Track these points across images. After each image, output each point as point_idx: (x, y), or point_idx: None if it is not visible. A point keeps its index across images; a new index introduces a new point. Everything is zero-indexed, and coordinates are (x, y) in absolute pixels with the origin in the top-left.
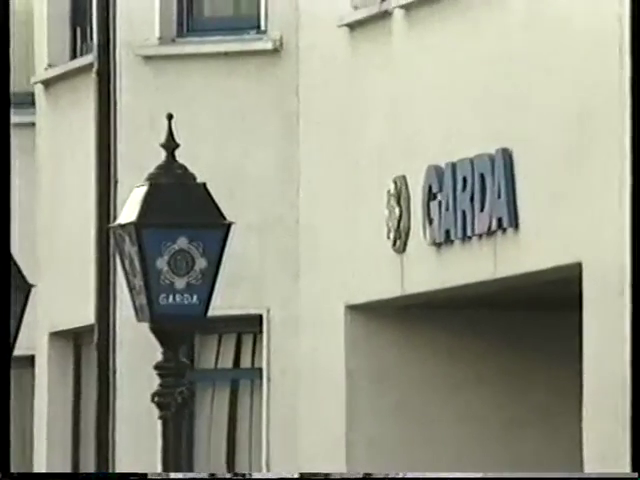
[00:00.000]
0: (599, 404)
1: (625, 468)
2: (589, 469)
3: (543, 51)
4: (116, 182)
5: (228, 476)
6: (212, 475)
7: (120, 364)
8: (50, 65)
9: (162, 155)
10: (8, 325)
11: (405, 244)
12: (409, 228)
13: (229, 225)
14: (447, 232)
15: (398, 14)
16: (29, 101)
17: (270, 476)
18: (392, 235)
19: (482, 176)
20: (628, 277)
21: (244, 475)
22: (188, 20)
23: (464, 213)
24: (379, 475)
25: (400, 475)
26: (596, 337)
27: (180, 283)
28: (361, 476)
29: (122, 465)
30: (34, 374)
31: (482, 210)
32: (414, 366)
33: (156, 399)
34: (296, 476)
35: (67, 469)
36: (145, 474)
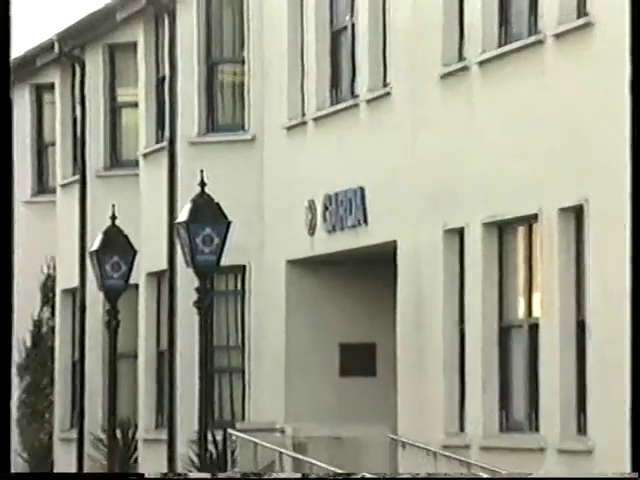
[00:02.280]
0: (406, 314)
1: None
2: (400, 345)
3: (384, 147)
4: (176, 201)
5: (233, 475)
6: (213, 475)
7: (179, 288)
8: (146, 146)
9: (197, 189)
10: (10, 324)
11: (314, 232)
12: (316, 224)
13: (229, 222)
14: (333, 226)
15: (311, 124)
16: (135, 164)
17: (286, 476)
18: (308, 227)
19: (350, 200)
20: (424, 252)
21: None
22: (212, 124)
23: (342, 217)
24: (395, 475)
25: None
26: (403, 282)
27: (207, 250)
28: (383, 476)
29: (183, 331)
30: (138, 295)
31: (350, 214)
32: (319, 293)
33: (196, 304)
34: (332, 475)
35: (153, 340)
36: (142, 474)
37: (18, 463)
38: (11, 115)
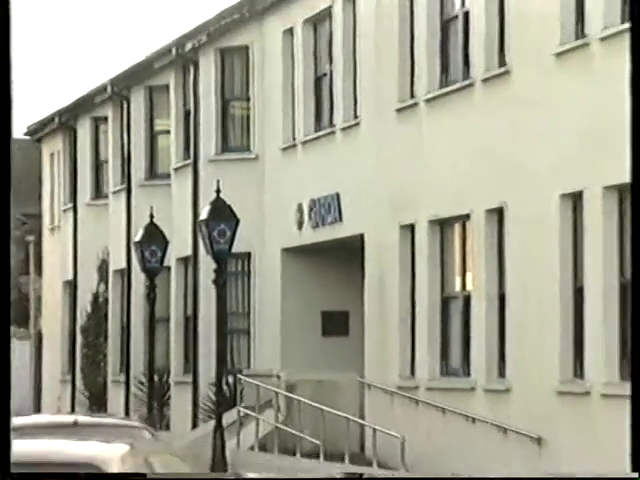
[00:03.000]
0: (372, 289)
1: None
2: (367, 312)
3: (355, 163)
4: (198, 204)
5: (229, 476)
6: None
7: (202, 269)
8: (176, 162)
9: (214, 195)
10: (8, 323)
11: (302, 227)
12: (303, 222)
13: (238, 220)
14: (317, 223)
15: (300, 147)
16: (168, 176)
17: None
18: (297, 224)
19: (329, 203)
20: (385, 242)
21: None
22: (226, 146)
23: (323, 216)
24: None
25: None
26: (369, 265)
27: (222, 241)
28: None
29: (204, 302)
30: (170, 274)
31: (329, 213)
32: (306, 273)
33: (214, 282)
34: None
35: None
36: (144, 474)
37: (82, 400)
38: (10, 123)
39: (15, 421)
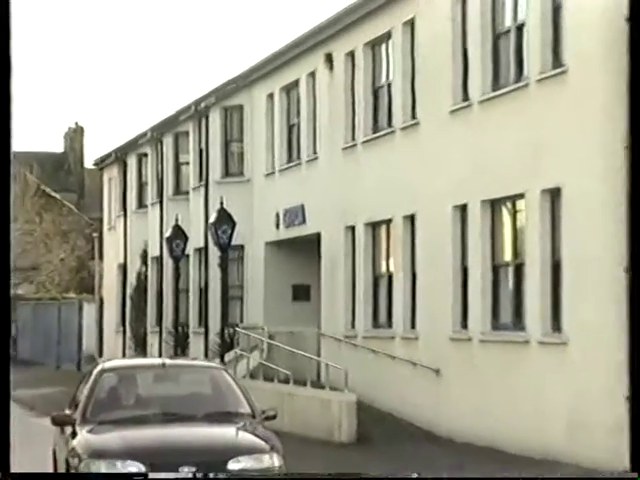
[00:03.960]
0: (326, 269)
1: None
2: (323, 285)
3: (315, 185)
4: (208, 212)
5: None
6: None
7: (211, 256)
8: (193, 184)
9: (219, 206)
10: (9, 331)
11: (279, 227)
12: (280, 223)
13: (235, 223)
14: (289, 224)
15: (277, 174)
16: (187, 193)
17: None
18: (275, 225)
19: (297, 211)
20: (335, 238)
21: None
22: (228, 172)
23: (293, 219)
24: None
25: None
26: (324, 254)
27: (224, 237)
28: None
29: (213, 278)
30: (189, 262)
31: (297, 218)
32: (282, 258)
33: (219, 265)
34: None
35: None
36: (146, 474)
37: (130, 345)
38: (9, 128)
39: (114, 362)
